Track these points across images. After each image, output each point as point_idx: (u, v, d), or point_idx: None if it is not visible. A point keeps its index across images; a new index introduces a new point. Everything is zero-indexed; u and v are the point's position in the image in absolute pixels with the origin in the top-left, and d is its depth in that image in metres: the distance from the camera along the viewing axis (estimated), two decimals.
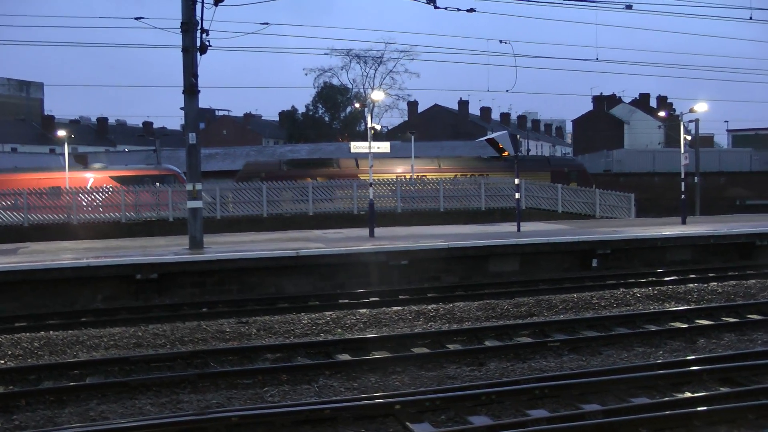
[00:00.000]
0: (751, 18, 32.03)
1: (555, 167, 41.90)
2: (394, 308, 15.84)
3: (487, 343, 12.60)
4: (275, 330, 13.90)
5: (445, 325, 14.23)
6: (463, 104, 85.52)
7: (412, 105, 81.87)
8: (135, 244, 23.19)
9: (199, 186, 20.97)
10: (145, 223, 31.03)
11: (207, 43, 20.53)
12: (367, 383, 10.38)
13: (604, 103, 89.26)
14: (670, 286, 18.22)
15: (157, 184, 33.43)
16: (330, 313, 15.45)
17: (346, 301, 17.32)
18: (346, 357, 11.82)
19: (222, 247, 21.16)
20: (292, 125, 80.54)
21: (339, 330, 13.87)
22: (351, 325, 14.26)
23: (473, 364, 11.28)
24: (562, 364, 11.19)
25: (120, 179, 34.79)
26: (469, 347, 12.18)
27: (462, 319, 14.68)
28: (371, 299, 17.42)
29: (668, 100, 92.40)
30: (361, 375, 10.81)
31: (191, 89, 20.74)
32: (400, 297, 17.63)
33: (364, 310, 15.71)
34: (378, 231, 24.81)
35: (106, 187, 32.74)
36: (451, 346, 12.43)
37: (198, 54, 20.61)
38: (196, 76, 20.75)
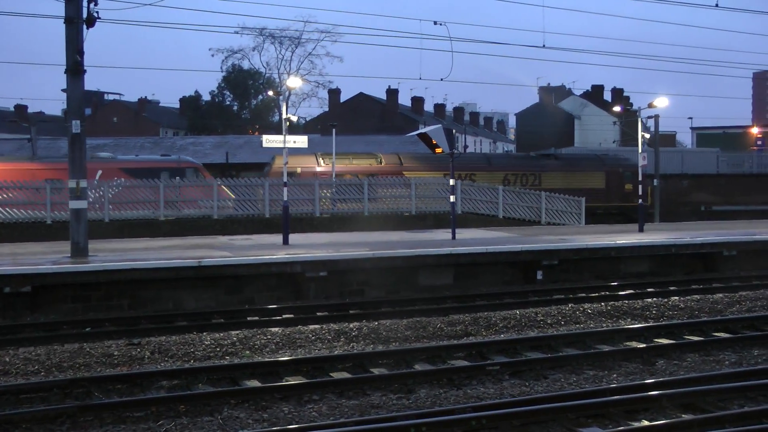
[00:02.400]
0: (717, 5, 32.98)
1: (609, 167, 42.61)
2: (311, 327, 15.80)
3: (417, 367, 12.62)
4: (172, 353, 13.68)
5: (369, 346, 14.23)
6: (392, 93, 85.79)
7: (334, 93, 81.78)
8: (4, 251, 22.53)
9: (83, 183, 20.52)
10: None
11: (95, 14, 20.07)
12: (278, 413, 10.29)
13: (552, 95, 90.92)
14: (626, 301, 18.61)
15: (177, 178, 33.51)
16: (236, 332, 15.32)
17: (256, 318, 17.18)
18: (254, 383, 11.71)
19: (111, 255, 20.74)
20: (194, 114, 79.72)
21: (247, 352, 13.75)
22: (261, 346, 14.15)
23: (401, 391, 11.28)
24: (502, 390, 11.27)
25: (131, 171, 34.75)
26: (396, 372, 12.19)
27: (388, 340, 14.69)
28: (284, 316, 17.33)
29: (624, 94, 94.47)
30: (272, 404, 10.71)
31: (75, 68, 20.27)
32: (318, 314, 17.60)
33: (276, 329, 15.63)
34: (293, 238, 24.69)
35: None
36: (376, 371, 12.42)
37: (84, 26, 20.16)
38: (81, 52, 20.29)
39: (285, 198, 24.49)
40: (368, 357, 13.05)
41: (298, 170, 36.83)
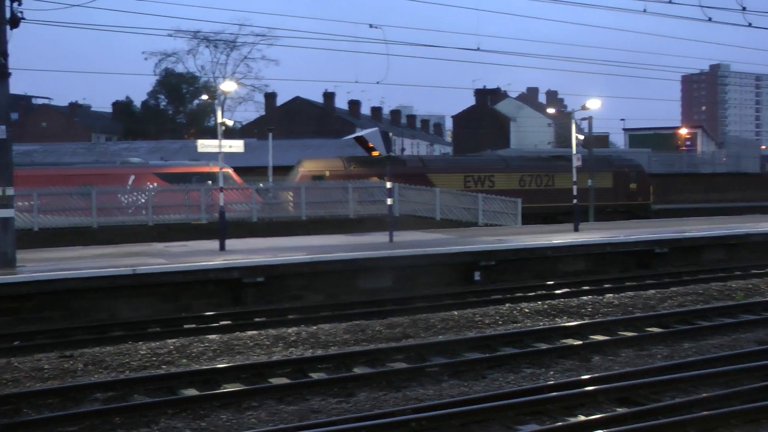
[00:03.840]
0: (645, 10, 33.59)
1: (617, 167, 44.60)
2: (249, 333, 15.72)
3: (357, 371, 12.63)
4: (107, 364, 13.47)
5: (308, 350, 14.20)
6: (329, 97, 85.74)
7: (271, 97, 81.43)
8: None
9: (10, 191, 20.08)
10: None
11: (19, 14, 19.63)
12: (217, 422, 10.20)
13: (487, 97, 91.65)
14: (562, 300, 18.85)
15: (209, 182, 33.79)
16: (173, 340, 15.14)
17: (193, 326, 17.01)
18: (192, 392, 11.59)
19: (41, 264, 20.31)
20: (128, 118, 78.56)
21: (184, 360, 13.61)
22: (198, 354, 14.02)
23: (340, 395, 11.28)
24: (441, 391, 11.34)
25: (166, 177, 35.13)
26: (335, 375, 12.19)
27: (327, 344, 14.68)
28: (222, 323, 17.19)
29: (558, 96, 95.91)
30: (210, 412, 10.61)
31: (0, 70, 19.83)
32: (256, 319, 17.49)
33: (214, 336, 15.49)
34: (231, 243, 24.49)
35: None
36: (315, 375, 12.40)
37: (8, 27, 19.69)
38: (5, 54, 19.83)
39: (221, 203, 24.28)
40: (307, 362, 13.02)
41: (327, 173, 37.87)
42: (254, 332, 15.75)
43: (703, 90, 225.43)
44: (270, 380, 12.19)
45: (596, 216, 39.75)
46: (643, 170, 47.05)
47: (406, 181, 35.81)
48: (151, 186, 32.82)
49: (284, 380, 12.15)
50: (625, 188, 44.18)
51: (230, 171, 36.36)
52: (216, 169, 35.77)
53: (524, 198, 38.82)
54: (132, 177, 34.88)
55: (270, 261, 20.32)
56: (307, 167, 39.65)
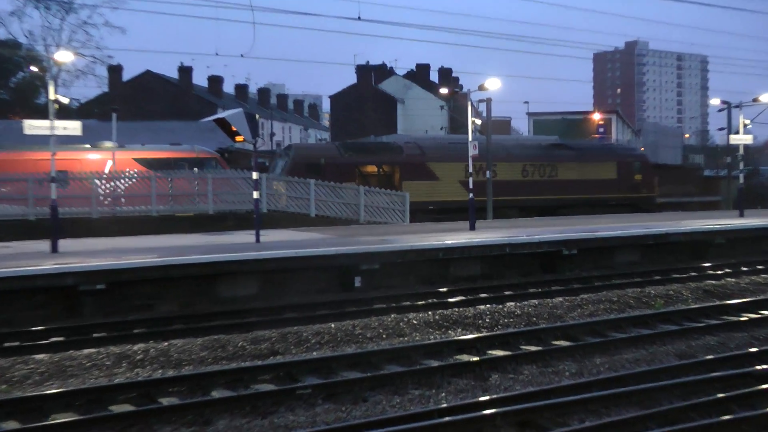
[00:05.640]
0: None
1: (622, 158, 47.87)
2: (86, 351, 15.40)
3: (215, 394, 12.50)
4: None
5: (158, 371, 14.00)
6: (185, 72, 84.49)
7: (115, 71, 79.71)
8: None
9: None
10: None
11: None
12: None
13: (371, 74, 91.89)
14: (456, 309, 19.02)
15: (195, 169, 35.17)
16: None
17: (16, 343, 16.54)
18: (13, 425, 11.24)
19: None
20: None
21: (3, 386, 13.24)
22: (22, 378, 13.67)
23: (195, 424, 11.15)
24: (315, 417, 11.30)
25: (146, 162, 36.51)
26: (189, 401, 12.04)
27: (181, 363, 14.50)
28: (53, 339, 16.83)
29: (453, 74, 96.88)
30: None
31: None
32: (95, 335, 17.19)
33: (42, 356, 15.10)
34: (66, 244, 24.00)
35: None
36: (166, 401, 12.20)
37: None
38: None
39: (53, 196, 23.64)
40: (156, 384, 12.81)
41: (322, 161, 39.99)
42: (92, 350, 15.41)
43: (618, 70, 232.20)
44: (110, 408, 11.93)
45: (597, 210, 43.33)
46: (647, 160, 50.09)
47: (404, 172, 37.48)
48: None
49: (128, 407, 11.92)
50: (629, 180, 47.15)
51: (218, 157, 38.48)
52: (203, 156, 37.83)
53: (526, 189, 42.13)
54: (110, 162, 35.85)
55: (112, 265, 19.90)
56: (301, 154, 41.51)
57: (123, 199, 33.55)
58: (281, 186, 35.47)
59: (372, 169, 41.42)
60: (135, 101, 74.00)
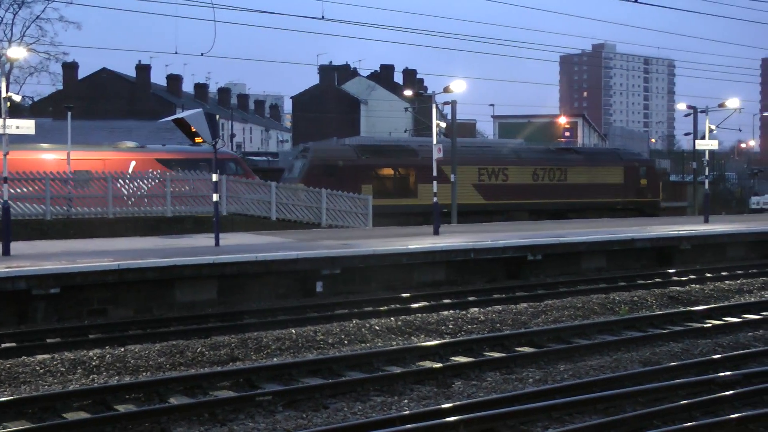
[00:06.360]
0: None
1: (627, 162, 49.12)
2: (39, 357, 15.26)
3: (173, 401, 12.46)
4: None
5: (114, 377, 13.94)
6: (143, 70, 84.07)
7: (70, 68, 79.19)
8: None
9: None
10: None
11: None
12: None
13: (334, 75, 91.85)
14: (419, 315, 19.09)
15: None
16: None
17: None
18: None
19: None
20: None
21: None
22: None
23: None
24: (275, 424, 11.27)
25: (168, 163, 37.12)
26: (146, 408, 11.99)
27: (138, 369, 14.44)
28: (4, 345, 16.70)
29: (417, 76, 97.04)
30: None
31: None
32: (48, 340, 17.09)
33: None
34: (17, 246, 23.78)
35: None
36: (122, 408, 12.15)
37: None
38: None
39: (5, 198, 23.45)
40: (112, 391, 12.74)
41: (340, 163, 41.32)
42: (46, 356, 15.28)
43: (585, 73, 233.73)
44: (64, 415, 11.86)
45: (603, 214, 44.54)
46: (653, 165, 51.82)
47: (419, 175, 38.07)
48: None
49: (82, 415, 11.84)
50: (635, 184, 48.47)
51: (239, 158, 39.52)
52: (224, 157, 37.20)
53: (536, 193, 42.52)
54: (133, 162, 36.46)
55: (66, 268, 19.78)
56: (319, 156, 42.36)
57: (72, 200, 33.27)
58: (241, 187, 35.42)
59: (388, 171, 42.60)
60: (91, 100, 73.45)
